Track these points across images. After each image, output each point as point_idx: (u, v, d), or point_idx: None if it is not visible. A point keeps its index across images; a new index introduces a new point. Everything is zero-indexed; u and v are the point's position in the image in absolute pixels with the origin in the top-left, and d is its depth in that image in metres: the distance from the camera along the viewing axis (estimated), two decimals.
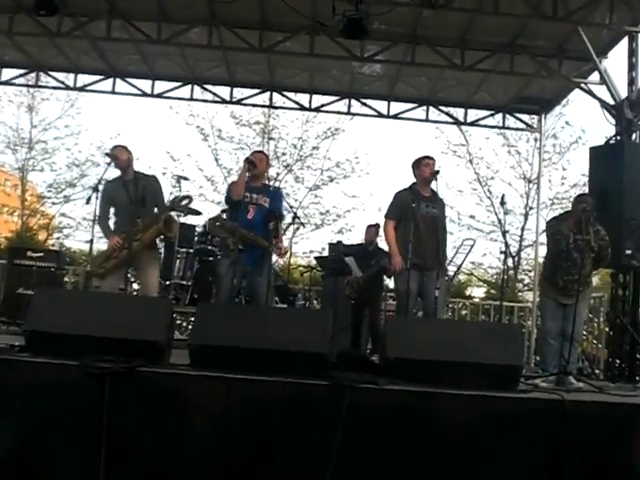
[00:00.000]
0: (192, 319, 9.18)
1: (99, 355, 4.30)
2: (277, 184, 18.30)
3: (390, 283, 8.78)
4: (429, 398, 4.25)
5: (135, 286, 8.69)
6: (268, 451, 4.16)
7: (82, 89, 12.33)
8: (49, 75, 12.29)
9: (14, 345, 5.14)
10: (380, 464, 4.18)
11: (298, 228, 13.30)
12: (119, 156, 6.83)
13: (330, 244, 11.64)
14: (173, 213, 7.13)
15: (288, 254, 7.87)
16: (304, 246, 20.71)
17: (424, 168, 7.01)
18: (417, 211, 6.79)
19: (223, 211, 7.33)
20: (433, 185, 7.10)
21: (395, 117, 12.21)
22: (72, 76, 12.09)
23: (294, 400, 4.21)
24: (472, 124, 13.11)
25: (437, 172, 6.98)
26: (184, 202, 7.02)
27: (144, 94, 11.98)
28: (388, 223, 7.09)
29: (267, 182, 7.14)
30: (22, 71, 12.16)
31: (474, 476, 4.21)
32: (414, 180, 7.15)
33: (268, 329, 4.65)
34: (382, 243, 8.37)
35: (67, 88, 12.66)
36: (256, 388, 4.26)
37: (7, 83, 12.68)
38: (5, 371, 4.36)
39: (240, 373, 4.25)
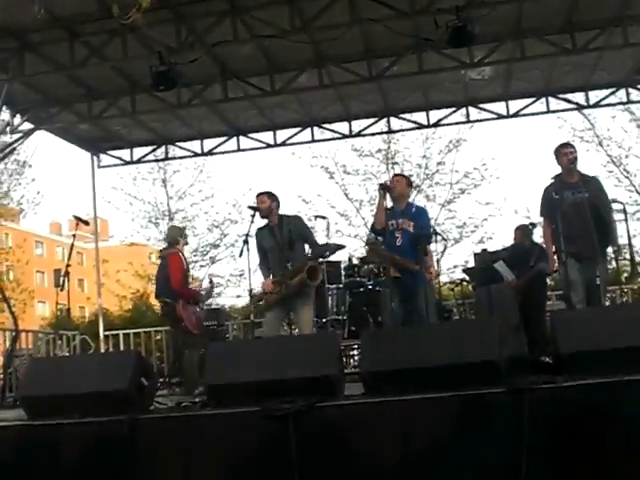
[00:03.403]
0: (351, 353, 9.32)
1: (278, 398, 4.43)
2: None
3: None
4: (617, 389, 4.09)
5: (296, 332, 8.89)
6: (452, 466, 4.12)
7: (210, 153, 12.92)
8: (176, 146, 12.94)
9: (195, 402, 5.41)
10: (572, 465, 4.04)
11: (445, 247, 13.14)
12: (259, 205, 7.05)
13: (475, 254, 11.45)
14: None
15: (436, 270, 7.82)
16: (447, 262, 20.53)
17: (562, 158, 6.86)
18: (562, 201, 6.62)
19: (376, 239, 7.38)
20: (580, 169, 6.92)
21: (515, 115, 12.00)
22: (197, 143, 12.67)
23: (472, 411, 4.17)
24: (595, 106, 12.64)
25: (574, 159, 6.81)
26: (332, 249, 7.12)
27: (268, 145, 12.39)
28: (544, 222, 7.01)
29: (409, 202, 7.14)
30: (151, 147, 12.93)
31: None
32: (558, 171, 6.99)
33: (434, 346, 4.64)
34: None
35: (195, 155, 13.29)
36: (433, 406, 4.25)
37: (140, 161, 13.53)
38: (195, 426, 4.58)
39: (415, 394, 4.26)
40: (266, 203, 7.04)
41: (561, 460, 4.05)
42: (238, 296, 22.13)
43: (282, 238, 6.89)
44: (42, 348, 11.30)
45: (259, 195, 7.16)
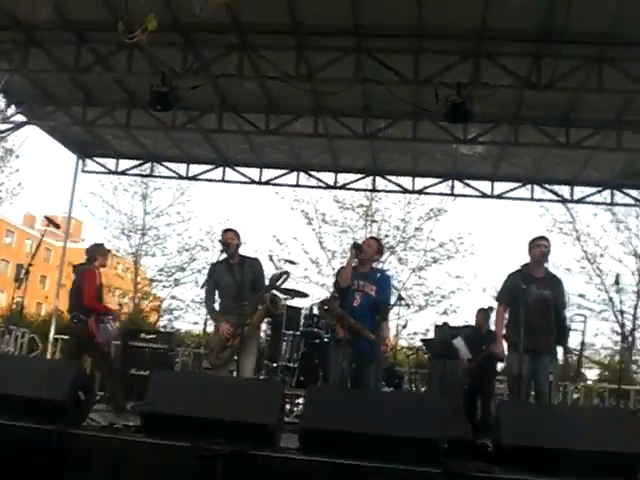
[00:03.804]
0: (298, 401, 9.23)
1: (211, 437, 4.37)
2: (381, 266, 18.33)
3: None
4: None
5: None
6: None
7: (194, 178, 12.94)
8: (162, 165, 12.93)
9: (129, 425, 5.31)
10: None
11: (406, 323, 13.16)
12: (228, 241, 7.03)
13: (436, 326, 11.49)
14: (277, 292, 7.25)
15: (392, 342, 7.79)
16: (409, 328, 20.58)
17: (535, 249, 6.87)
18: (527, 294, 6.58)
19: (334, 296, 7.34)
20: (546, 265, 6.97)
21: (499, 197, 12.18)
22: (184, 166, 12.67)
23: None
24: (579, 201, 12.85)
25: (547, 253, 6.86)
26: (282, 278, 7.09)
27: (252, 182, 12.42)
28: (499, 307, 6.98)
29: (374, 267, 7.11)
30: (137, 162, 12.92)
31: None
32: (527, 261, 7.02)
33: (378, 414, 4.61)
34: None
35: (180, 177, 13.26)
36: (367, 475, 4.21)
37: (124, 173, 13.53)
38: (123, 451, 4.50)
39: (350, 458, 4.21)
40: (235, 240, 7.04)
41: None
42: (195, 323, 21.98)
43: (242, 278, 6.88)
44: None
45: (228, 231, 7.16)
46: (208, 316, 7.20)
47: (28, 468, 4.43)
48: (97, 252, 8.04)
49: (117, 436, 4.84)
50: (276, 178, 12.48)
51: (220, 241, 7.05)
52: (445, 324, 10.62)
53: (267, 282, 7.04)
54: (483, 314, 9.09)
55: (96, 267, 7.85)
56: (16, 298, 7.80)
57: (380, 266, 14.82)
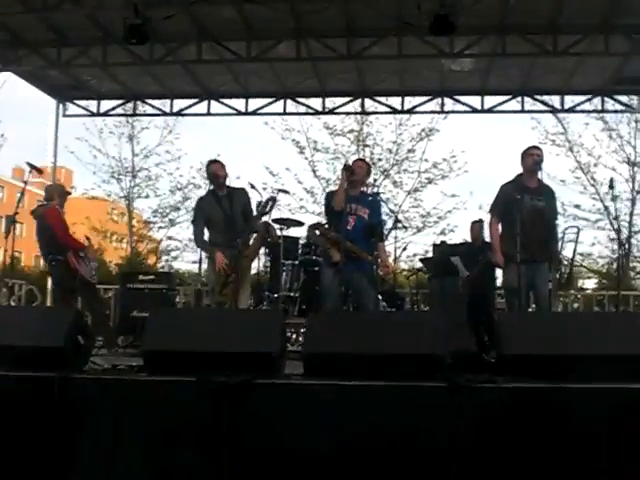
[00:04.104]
0: (302, 330, 9.25)
1: (215, 370, 4.35)
2: (375, 190, 18.26)
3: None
4: (554, 393, 4.08)
5: None
6: (384, 457, 4.10)
7: (178, 113, 12.71)
8: (146, 103, 12.71)
9: (132, 366, 5.30)
10: (505, 466, 4.04)
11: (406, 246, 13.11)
12: (217, 173, 6.93)
13: (434, 245, 11.47)
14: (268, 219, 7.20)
15: (393, 261, 7.74)
16: (407, 250, 20.59)
17: (528, 158, 6.78)
18: (522, 204, 6.50)
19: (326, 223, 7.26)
20: (539, 175, 6.88)
21: (489, 111, 12.01)
22: (168, 102, 12.44)
23: (409, 404, 4.13)
24: (569, 110, 12.73)
25: (540, 162, 6.76)
26: (269, 205, 6.99)
27: (239, 113, 12.21)
28: (491, 219, 6.92)
29: (365, 190, 7.02)
30: (119, 101, 12.71)
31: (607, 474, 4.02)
32: (520, 172, 6.93)
33: (379, 334, 4.59)
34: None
35: (164, 114, 13.08)
36: (371, 394, 4.21)
37: (106, 114, 13.30)
38: (126, 391, 4.48)
39: (354, 380, 4.21)
40: (222, 172, 6.95)
41: (491, 459, 4.05)
42: (194, 262, 21.87)
43: (231, 209, 6.80)
44: None
45: (214, 162, 7.07)
46: (202, 252, 7.15)
47: (31, 417, 4.43)
48: (55, 191, 7.92)
49: (120, 377, 4.83)
50: (263, 107, 12.25)
51: (207, 173, 6.95)
52: (443, 242, 10.64)
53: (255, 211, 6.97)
54: (477, 226, 9.04)
55: (55, 205, 7.73)
56: (9, 251, 7.70)
57: (375, 190, 14.79)
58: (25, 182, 7.18)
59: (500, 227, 6.88)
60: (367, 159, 19.57)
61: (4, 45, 10.30)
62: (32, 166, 7.17)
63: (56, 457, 4.36)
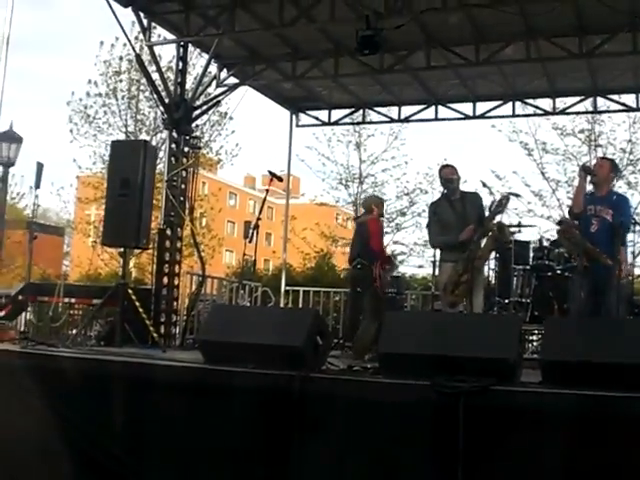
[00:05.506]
0: (531, 338, 8.99)
1: (449, 374, 4.35)
2: None
3: None
4: None
5: None
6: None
7: (406, 120, 12.81)
8: (374, 111, 12.95)
9: (368, 367, 5.43)
10: None
11: None
12: (450, 177, 6.97)
13: None
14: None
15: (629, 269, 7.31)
16: None
17: None
18: None
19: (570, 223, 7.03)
20: None
21: None
22: (395, 109, 12.60)
23: None
24: None
25: None
26: (502, 203, 6.88)
27: (466, 117, 12.08)
28: None
29: (611, 189, 6.70)
30: (348, 110, 13.06)
31: None
32: None
33: (620, 342, 4.37)
34: None
35: (392, 121, 13.22)
36: (615, 405, 4.00)
37: (337, 123, 13.75)
38: (363, 392, 4.60)
39: (595, 390, 4.03)
40: (454, 175, 7.07)
41: None
42: (420, 266, 22.03)
43: (464, 213, 6.83)
44: (226, 295, 11.80)
45: (447, 167, 7.15)
46: (436, 257, 7.20)
47: (271, 413, 4.67)
48: (372, 202, 8.37)
49: (357, 377, 4.97)
50: (490, 110, 12.03)
51: (440, 177, 7.00)
52: None
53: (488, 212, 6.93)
54: None
55: (375, 216, 8.15)
56: (246, 255, 8.19)
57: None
58: (267, 190, 7.60)
59: None
60: None
61: (243, 61, 10.97)
62: (273, 174, 7.58)
63: (290, 452, 4.58)
